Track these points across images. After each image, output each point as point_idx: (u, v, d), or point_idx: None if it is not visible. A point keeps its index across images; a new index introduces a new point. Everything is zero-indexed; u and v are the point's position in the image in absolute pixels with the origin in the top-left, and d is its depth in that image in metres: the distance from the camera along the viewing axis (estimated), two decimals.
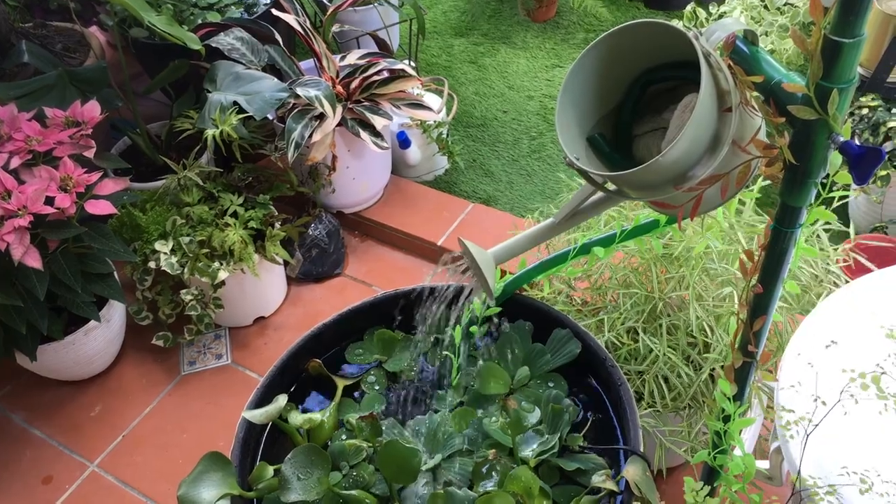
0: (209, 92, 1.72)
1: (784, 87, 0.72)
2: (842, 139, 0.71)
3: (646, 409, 1.25)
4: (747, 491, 0.98)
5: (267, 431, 1.19)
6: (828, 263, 1.30)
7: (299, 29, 1.84)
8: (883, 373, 0.89)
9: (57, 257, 1.47)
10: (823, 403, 0.90)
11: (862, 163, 0.69)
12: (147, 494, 1.56)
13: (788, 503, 1.01)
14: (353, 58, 1.95)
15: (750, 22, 2.07)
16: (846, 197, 1.84)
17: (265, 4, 2.08)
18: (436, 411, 1.20)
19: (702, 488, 0.94)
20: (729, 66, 0.76)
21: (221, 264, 1.65)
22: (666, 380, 1.25)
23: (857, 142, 0.98)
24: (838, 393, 0.90)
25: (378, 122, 1.79)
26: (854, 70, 0.69)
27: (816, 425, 0.90)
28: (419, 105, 1.86)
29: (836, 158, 0.76)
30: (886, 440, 0.94)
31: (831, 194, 0.87)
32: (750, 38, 0.77)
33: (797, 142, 0.74)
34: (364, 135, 1.77)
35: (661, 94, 0.89)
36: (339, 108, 1.77)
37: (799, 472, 0.91)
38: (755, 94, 0.77)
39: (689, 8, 2.12)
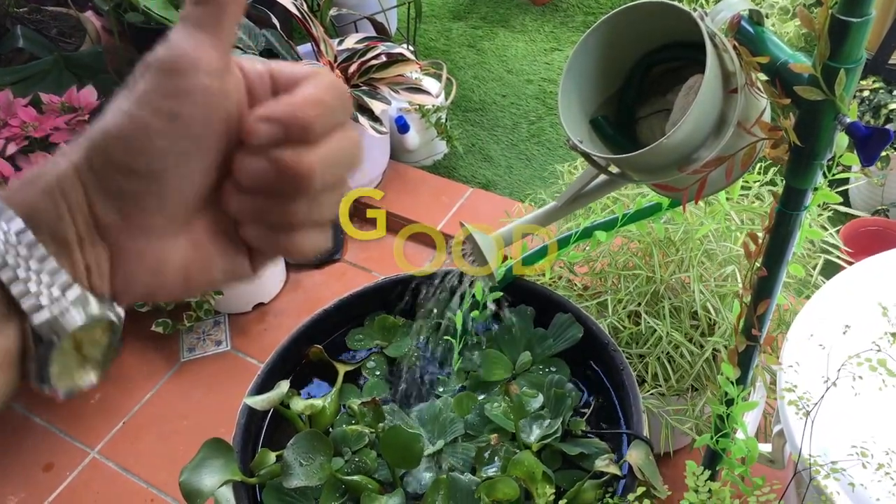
0: None
1: (790, 67, 0.71)
2: (848, 120, 0.70)
3: (649, 390, 1.25)
4: (750, 474, 0.98)
5: (269, 417, 1.19)
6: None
7: (297, 12, 1.83)
8: (878, 350, 0.89)
9: None
10: (825, 383, 0.90)
11: (869, 144, 0.69)
12: (148, 481, 1.56)
13: (790, 484, 1.01)
14: (351, 42, 1.94)
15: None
16: (846, 180, 1.84)
17: None
18: (437, 396, 1.20)
19: (703, 473, 0.94)
20: (734, 47, 0.75)
21: None
22: (670, 360, 1.25)
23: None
24: (843, 373, 0.89)
25: (376, 106, 1.77)
26: (862, 50, 0.68)
27: (817, 404, 0.90)
28: (418, 89, 1.85)
29: (842, 140, 0.75)
30: (886, 415, 0.94)
31: (836, 177, 0.86)
32: (755, 18, 0.76)
33: (803, 123, 0.74)
34: (362, 119, 1.76)
35: (664, 75, 0.88)
36: None
37: (800, 452, 0.91)
38: (760, 74, 0.76)
39: None
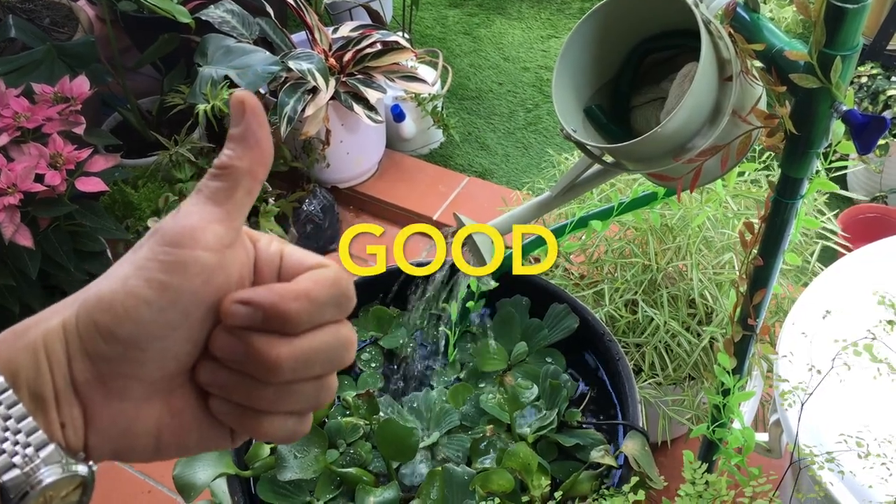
0: (200, 66, 1.69)
1: (786, 54, 0.70)
2: (845, 108, 0.69)
3: (646, 380, 1.24)
4: (747, 464, 0.97)
5: None
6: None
7: (291, 0, 1.81)
8: (874, 339, 0.88)
9: (48, 235, 1.45)
10: (818, 372, 0.90)
11: (865, 132, 0.68)
12: (144, 472, 1.56)
13: (786, 473, 1.01)
14: (345, 30, 1.92)
15: None
16: (844, 168, 1.83)
17: None
18: (433, 388, 1.20)
19: (700, 466, 0.93)
20: (729, 34, 0.74)
21: None
22: (667, 349, 1.24)
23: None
24: (838, 362, 0.89)
25: (372, 95, 1.76)
26: (858, 37, 0.67)
27: (811, 394, 0.90)
28: (413, 78, 1.84)
29: (838, 128, 0.74)
30: (881, 404, 0.94)
31: (833, 164, 0.85)
32: (751, 4, 0.75)
33: (799, 111, 0.73)
34: (358, 108, 1.75)
35: (659, 63, 0.87)
36: (332, 82, 1.74)
37: (796, 441, 0.91)
38: (756, 62, 0.75)
39: None
